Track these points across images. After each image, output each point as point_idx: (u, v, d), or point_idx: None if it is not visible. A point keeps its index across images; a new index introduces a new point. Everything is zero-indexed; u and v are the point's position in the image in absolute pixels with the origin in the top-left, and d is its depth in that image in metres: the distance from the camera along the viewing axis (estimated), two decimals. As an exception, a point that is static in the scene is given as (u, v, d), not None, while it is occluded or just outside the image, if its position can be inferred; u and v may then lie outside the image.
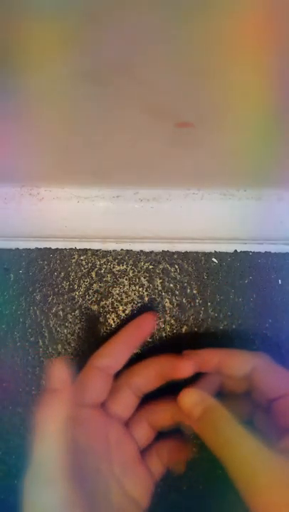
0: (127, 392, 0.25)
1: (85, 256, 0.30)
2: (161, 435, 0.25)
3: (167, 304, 0.30)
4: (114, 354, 0.25)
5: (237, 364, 0.24)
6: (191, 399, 0.22)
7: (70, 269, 0.30)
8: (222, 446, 0.19)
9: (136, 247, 0.30)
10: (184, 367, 0.24)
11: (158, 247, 0.30)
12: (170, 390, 0.25)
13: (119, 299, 0.30)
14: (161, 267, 0.30)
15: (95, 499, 0.21)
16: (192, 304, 0.30)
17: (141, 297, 0.30)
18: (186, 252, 0.30)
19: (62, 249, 0.31)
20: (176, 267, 0.30)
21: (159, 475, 0.25)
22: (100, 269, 0.30)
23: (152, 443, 0.25)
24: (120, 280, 0.30)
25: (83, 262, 0.30)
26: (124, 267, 0.30)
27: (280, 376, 0.23)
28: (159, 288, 0.30)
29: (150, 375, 0.25)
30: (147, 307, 0.30)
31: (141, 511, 0.23)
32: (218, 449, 0.20)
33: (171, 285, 0.30)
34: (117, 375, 0.25)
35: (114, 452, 0.23)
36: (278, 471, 0.18)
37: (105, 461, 0.23)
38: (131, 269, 0.30)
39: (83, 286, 0.30)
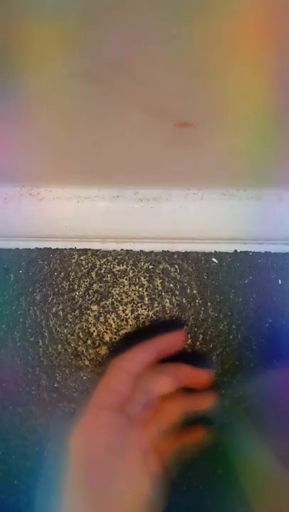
0: (144, 393, 0.25)
1: (85, 256, 0.30)
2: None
3: (167, 304, 0.30)
4: (138, 360, 0.26)
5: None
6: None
7: (70, 269, 0.30)
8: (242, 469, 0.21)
9: (136, 247, 0.30)
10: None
11: (158, 247, 0.30)
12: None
13: (119, 299, 0.30)
14: (161, 267, 0.30)
15: (108, 501, 0.22)
16: (192, 304, 0.30)
17: (141, 297, 0.30)
18: (186, 252, 0.30)
19: (62, 249, 0.31)
20: (176, 267, 0.30)
21: (176, 473, 0.25)
22: (100, 269, 0.30)
23: (168, 440, 0.26)
24: (120, 280, 0.30)
25: (83, 262, 0.30)
26: (124, 267, 0.30)
27: None
28: (159, 288, 0.30)
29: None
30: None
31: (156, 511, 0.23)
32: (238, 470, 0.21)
33: (171, 285, 0.30)
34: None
35: (131, 452, 0.24)
36: None
37: (122, 461, 0.24)
38: (131, 269, 0.30)
39: (83, 286, 0.30)
